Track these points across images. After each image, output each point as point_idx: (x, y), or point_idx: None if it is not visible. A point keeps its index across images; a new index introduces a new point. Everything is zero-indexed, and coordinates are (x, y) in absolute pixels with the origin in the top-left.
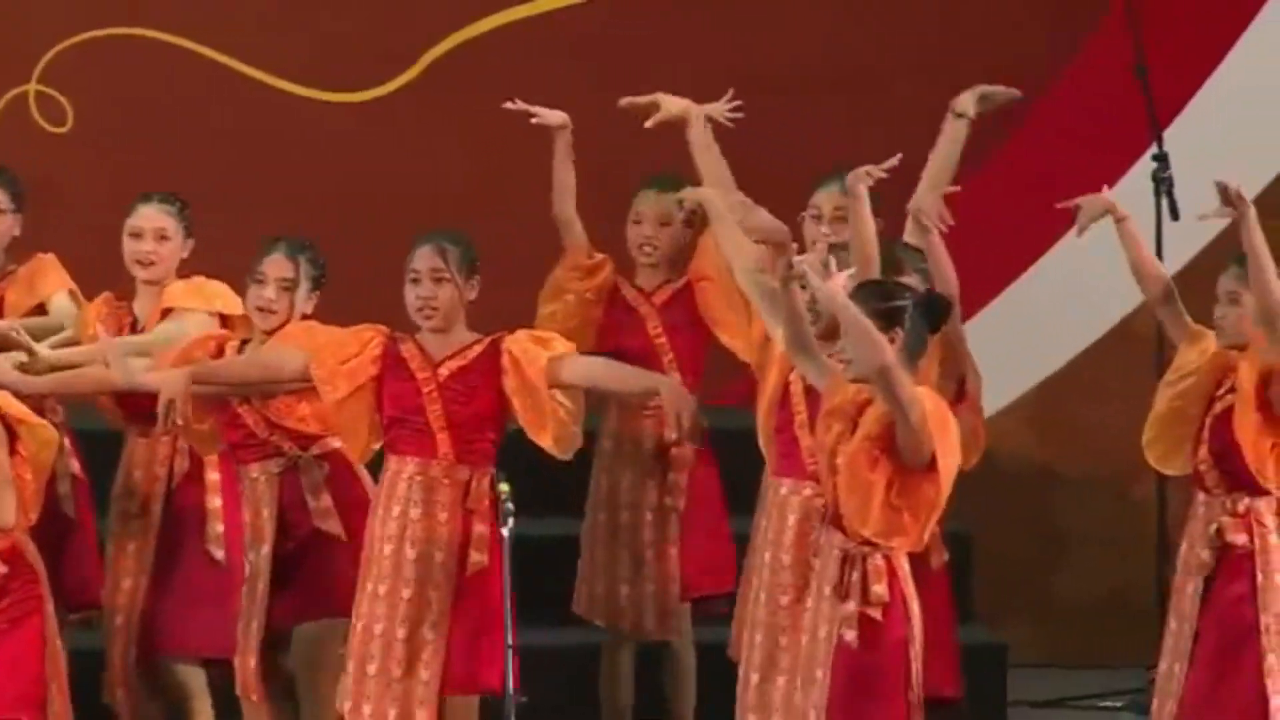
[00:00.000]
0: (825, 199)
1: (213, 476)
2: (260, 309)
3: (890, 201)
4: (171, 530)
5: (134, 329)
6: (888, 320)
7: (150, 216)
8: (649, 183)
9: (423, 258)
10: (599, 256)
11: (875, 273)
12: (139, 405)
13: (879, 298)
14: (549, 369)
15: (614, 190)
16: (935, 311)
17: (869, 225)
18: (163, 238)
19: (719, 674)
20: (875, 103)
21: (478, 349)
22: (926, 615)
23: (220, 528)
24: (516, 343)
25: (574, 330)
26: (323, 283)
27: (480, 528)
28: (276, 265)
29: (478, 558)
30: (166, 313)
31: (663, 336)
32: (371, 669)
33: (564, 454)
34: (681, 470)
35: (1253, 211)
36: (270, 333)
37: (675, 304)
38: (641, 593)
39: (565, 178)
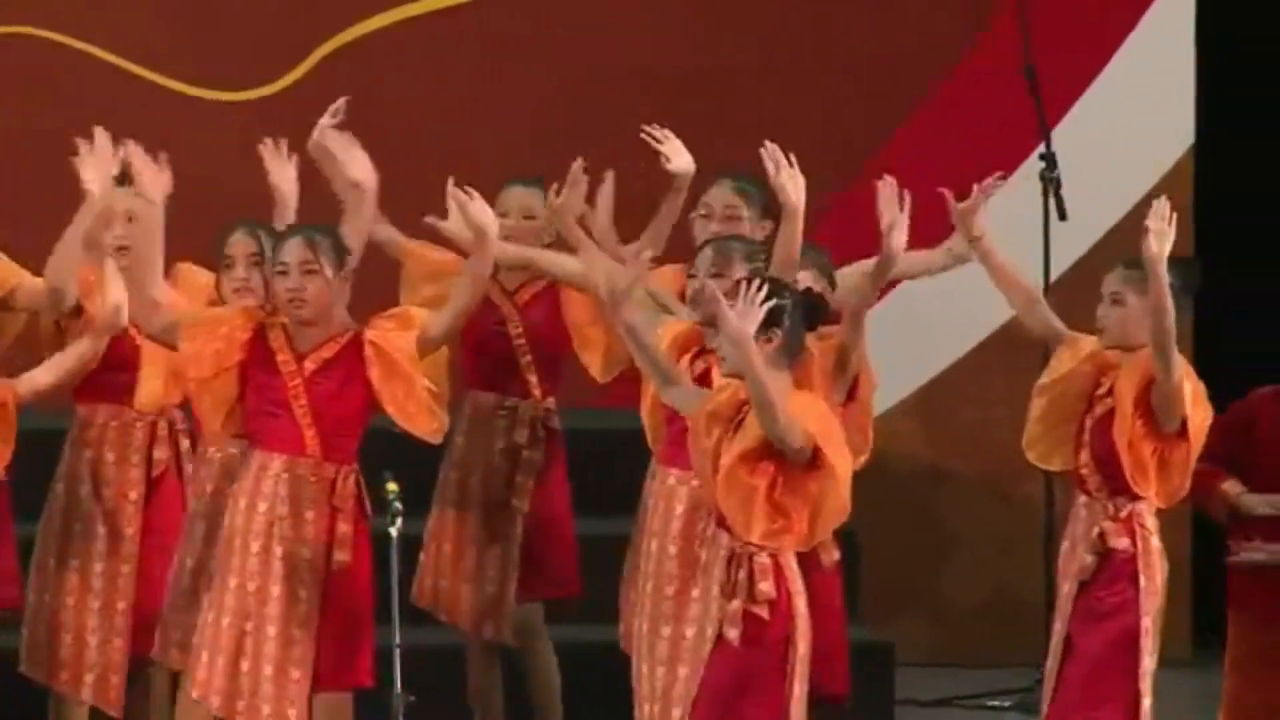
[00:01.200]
0: (716, 198)
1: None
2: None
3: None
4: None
5: None
6: (769, 320)
7: (120, 199)
8: (514, 181)
9: (291, 250)
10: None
11: None
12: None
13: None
14: (421, 345)
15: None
16: (813, 310)
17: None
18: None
19: (612, 668)
20: (751, 102)
21: (341, 341)
22: (817, 613)
23: None
24: (376, 330)
25: None
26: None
27: (344, 527)
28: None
29: (341, 556)
30: None
31: (523, 338)
32: (244, 666)
33: (435, 437)
34: (530, 473)
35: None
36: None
37: (538, 304)
38: (482, 593)
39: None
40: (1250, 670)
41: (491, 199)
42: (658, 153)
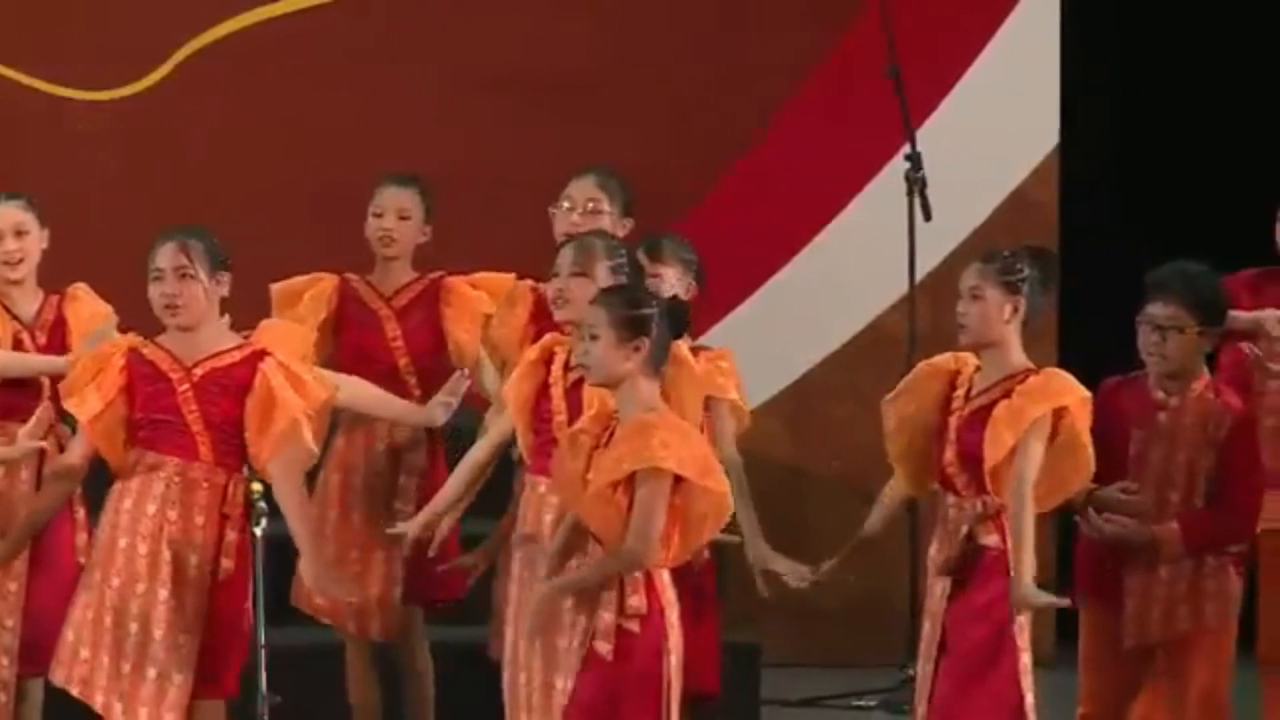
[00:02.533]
0: (578, 190)
1: None
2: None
3: (644, 200)
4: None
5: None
6: (634, 329)
7: (6, 215)
8: (389, 178)
9: (165, 255)
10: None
11: None
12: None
13: (626, 305)
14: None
15: (350, 187)
16: (678, 318)
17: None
18: (20, 233)
19: (480, 674)
20: (621, 102)
21: (236, 356)
22: (687, 612)
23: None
24: (274, 376)
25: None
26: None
27: (232, 534)
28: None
29: (227, 564)
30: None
31: (400, 341)
32: (125, 667)
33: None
34: (413, 474)
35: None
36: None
37: (415, 308)
38: (366, 594)
39: None
40: (1100, 661)
41: (354, 198)
42: (526, 151)
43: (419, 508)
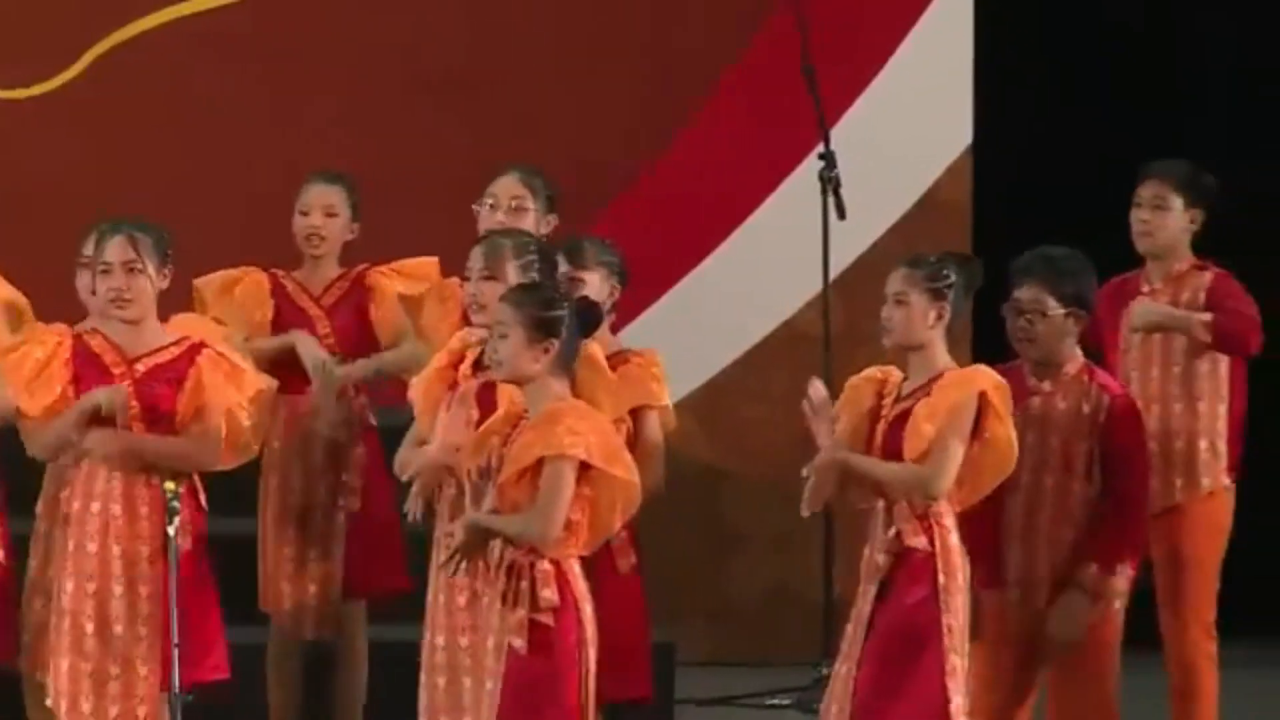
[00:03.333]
0: (502, 188)
1: None
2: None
3: (570, 198)
4: None
5: None
6: (546, 330)
7: None
8: (315, 175)
9: (114, 249)
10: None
11: None
12: None
13: (539, 306)
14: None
15: (279, 188)
16: (589, 318)
17: None
18: None
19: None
20: (539, 100)
21: (174, 351)
22: (617, 617)
23: None
24: (210, 372)
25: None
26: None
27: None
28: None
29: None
30: None
31: (332, 338)
32: (87, 667)
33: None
34: (355, 470)
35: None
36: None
37: (343, 304)
38: (304, 592)
39: None
40: (993, 647)
41: (273, 196)
42: (446, 150)
43: (361, 502)
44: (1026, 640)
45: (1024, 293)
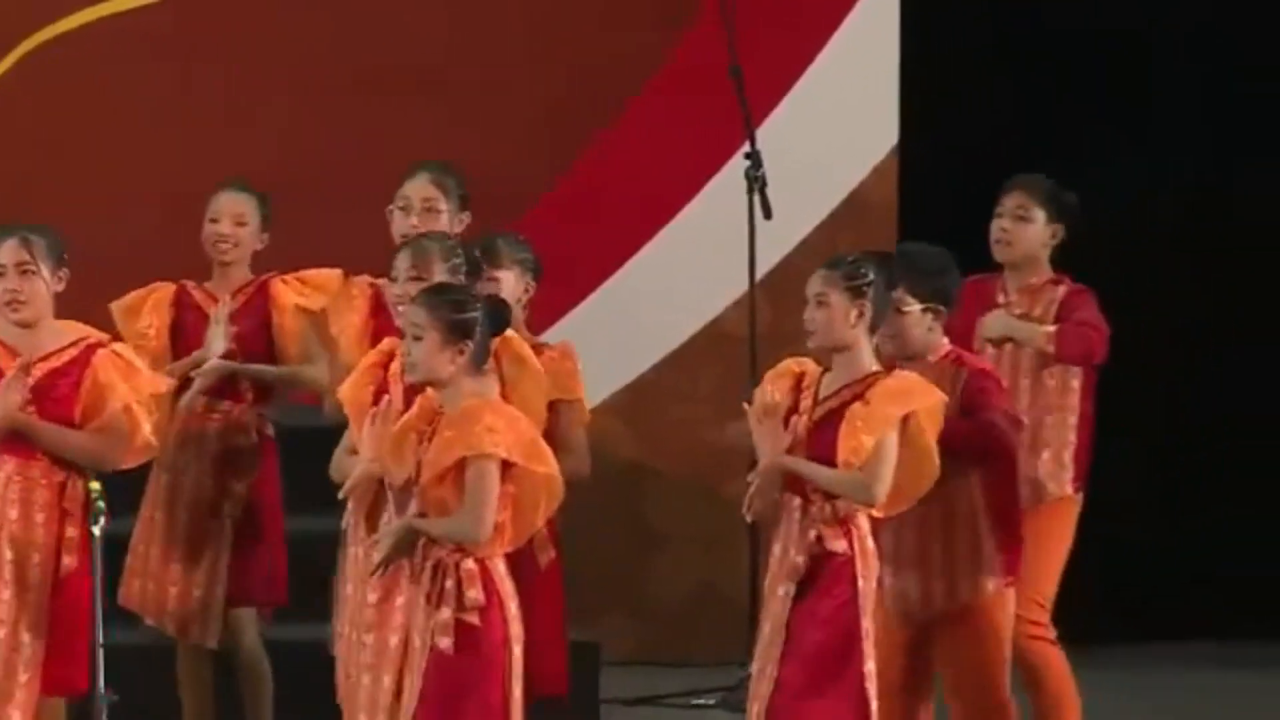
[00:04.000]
0: (414, 190)
1: None
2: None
3: (488, 198)
4: None
5: None
6: (459, 332)
7: None
8: (225, 183)
9: (7, 251)
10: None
11: None
12: None
13: (451, 309)
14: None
15: (191, 187)
16: (499, 316)
17: None
18: None
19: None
20: (464, 99)
21: (71, 353)
22: (535, 613)
23: None
24: (107, 366)
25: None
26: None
27: (72, 531)
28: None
29: (68, 560)
30: None
31: (235, 345)
32: None
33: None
34: (244, 478)
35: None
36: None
37: (246, 313)
38: (189, 597)
39: None
40: (889, 634)
41: (197, 197)
42: (370, 149)
43: (248, 510)
44: (912, 628)
45: None
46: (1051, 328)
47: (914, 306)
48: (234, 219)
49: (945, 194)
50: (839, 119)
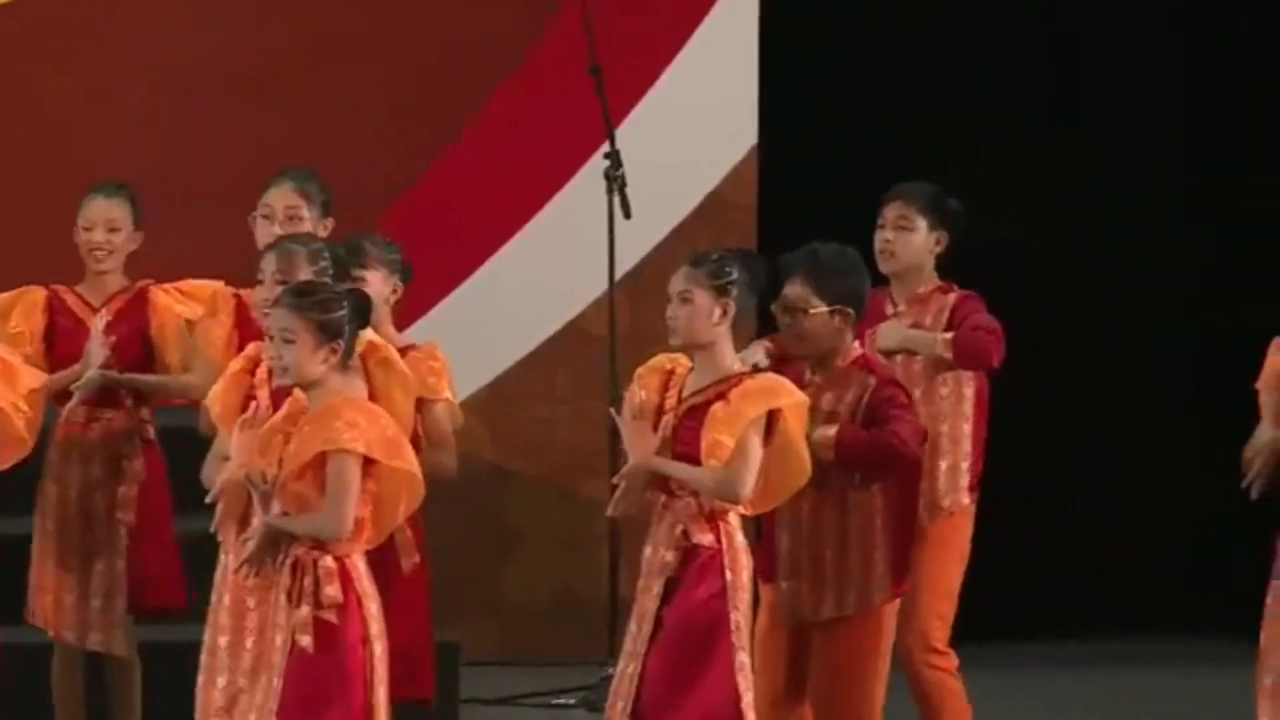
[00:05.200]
0: (277, 198)
1: None
2: None
3: (347, 197)
4: None
5: None
6: (330, 333)
7: None
8: (96, 188)
9: None
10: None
11: None
12: None
13: (320, 310)
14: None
15: (62, 190)
16: (363, 310)
17: None
18: None
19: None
20: (324, 98)
21: None
22: (400, 617)
23: None
24: None
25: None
26: None
27: None
28: None
29: None
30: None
31: (112, 352)
32: None
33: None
34: (132, 484)
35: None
36: None
37: (122, 319)
38: (86, 605)
39: None
40: (767, 640)
41: (56, 197)
42: (230, 148)
43: (138, 515)
44: (798, 632)
45: (790, 290)
46: (948, 335)
47: (820, 307)
48: (107, 225)
49: (804, 194)
50: (698, 118)
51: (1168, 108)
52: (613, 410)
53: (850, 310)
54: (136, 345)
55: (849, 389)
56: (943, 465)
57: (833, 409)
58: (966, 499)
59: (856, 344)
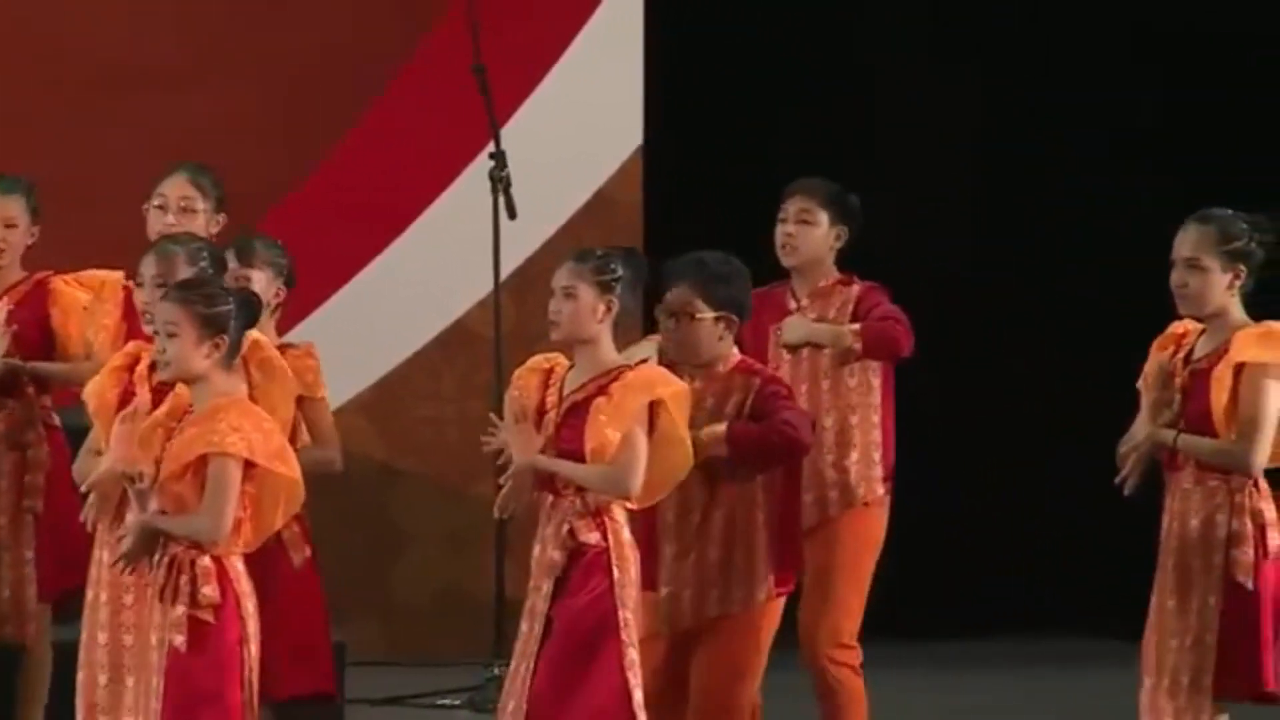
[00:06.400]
0: (170, 189)
1: None
2: None
3: (241, 196)
4: None
5: None
6: (214, 328)
7: None
8: None
9: None
10: None
11: None
12: None
13: (205, 304)
14: None
15: None
16: (251, 310)
17: None
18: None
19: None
20: (211, 97)
21: None
22: (295, 613)
23: None
24: None
25: None
26: None
27: None
28: None
29: None
30: None
31: (12, 342)
32: None
33: None
34: (38, 471)
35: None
36: None
37: (22, 309)
38: None
39: None
40: (651, 646)
41: None
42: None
43: (47, 502)
44: (677, 640)
45: (674, 295)
46: (855, 325)
47: (707, 314)
48: (3, 221)
49: (690, 192)
50: (584, 117)
51: (1138, 110)
52: (494, 415)
53: (734, 318)
54: (36, 334)
55: (732, 392)
56: (853, 456)
57: (717, 412)
58: (881, 489)
59: (736, 350)
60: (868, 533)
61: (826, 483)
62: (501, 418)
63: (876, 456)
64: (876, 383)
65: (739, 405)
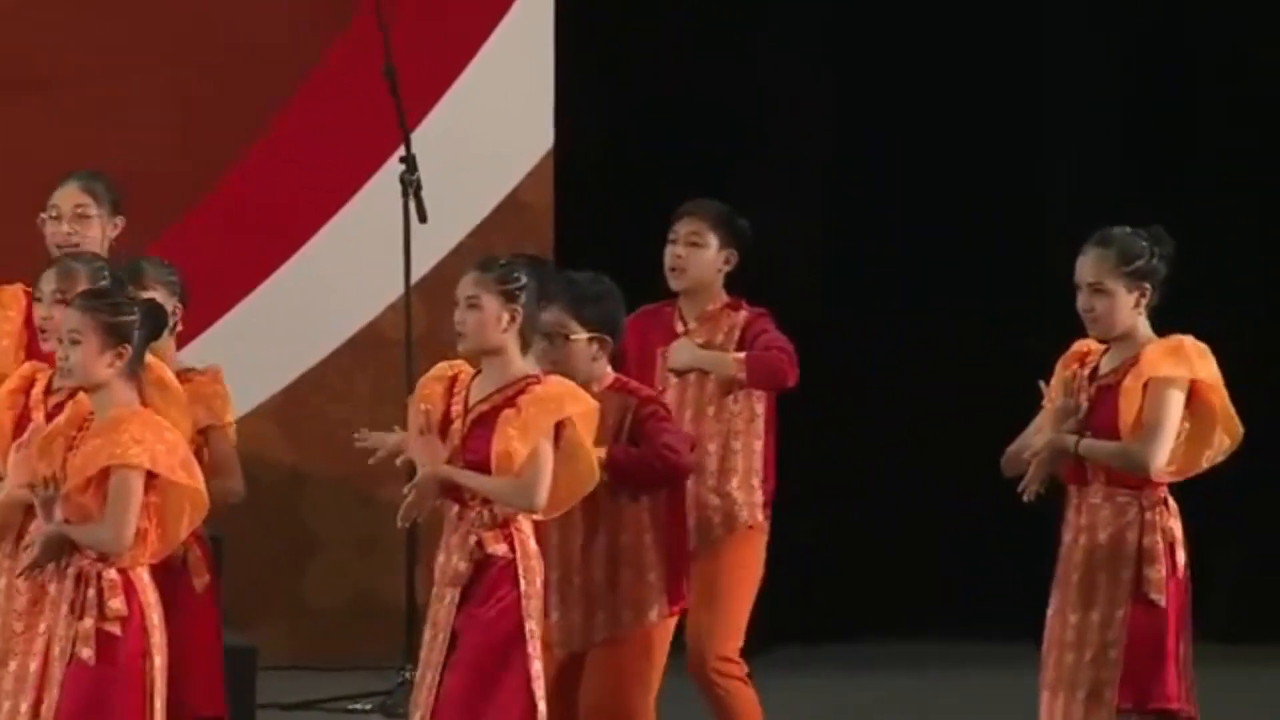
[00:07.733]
0: (64, 197)
1: None
2: None
3: (140, 203)
4: None
5: None
6: (117, 336)
7: None
8: None
9: None
10: None
11: None
12: None
13: (110, 312)
14: None
15: None
16: (158, 320)
17: None
18: None
19: None
20: (116, 102)
21: None
22: (191, 636)
23: None
24: None
25: None
26: None
27: None
28: None
29: None
30: None
31: None
32: None
33: None
34: None
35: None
36: None
37: None
38: None
39: None
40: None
41: None
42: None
43: None
44: (568, 662)
45: (549, 316)
46: (741, 355)
47: (581, 335)
48: None
49: (601, 196)
50: (495, 121)
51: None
52: (397, 428)
53: (607, 338)
54: None
55: (609, 413)
56: (734, 482)
57: (599, 437)
58: (761, 515)
59: (610, 369)
60: (748, 557)
61: (709, 506)
62: (403, 431)
63: (756, 483)
64: (760, 409)
65: (616, 426)
